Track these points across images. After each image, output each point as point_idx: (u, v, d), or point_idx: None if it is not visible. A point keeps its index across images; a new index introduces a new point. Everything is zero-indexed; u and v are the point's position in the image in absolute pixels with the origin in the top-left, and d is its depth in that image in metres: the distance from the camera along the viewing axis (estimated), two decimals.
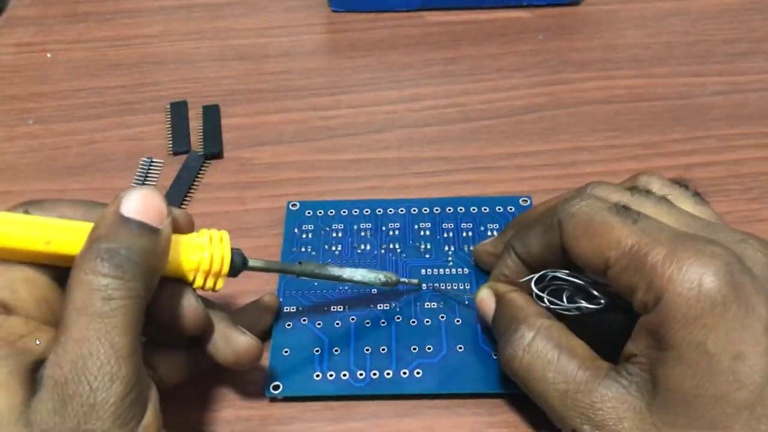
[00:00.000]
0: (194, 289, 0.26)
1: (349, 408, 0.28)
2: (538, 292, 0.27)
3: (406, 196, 0.36)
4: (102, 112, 0.42)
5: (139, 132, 0.41)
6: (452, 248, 0.33)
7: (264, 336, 0.30)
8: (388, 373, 0.29)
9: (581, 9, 0.48)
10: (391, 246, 0.34)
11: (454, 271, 0.33)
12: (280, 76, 0.44)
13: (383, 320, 0.31)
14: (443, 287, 0.32)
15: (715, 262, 0.22)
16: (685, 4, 0.49)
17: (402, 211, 0.35)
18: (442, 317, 0.31)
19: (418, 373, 0.29)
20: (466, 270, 0.33)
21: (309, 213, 0.35)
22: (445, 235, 0.34)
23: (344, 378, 0.29)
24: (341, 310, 0.31)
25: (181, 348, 0.27)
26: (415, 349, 0.30)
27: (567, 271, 0.26)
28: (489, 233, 0.34)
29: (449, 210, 0.35)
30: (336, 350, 0.30)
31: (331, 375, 0.29)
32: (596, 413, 0.23)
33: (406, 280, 0.31)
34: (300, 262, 0.29)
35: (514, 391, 0.27)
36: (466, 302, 0.31)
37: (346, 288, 0.32)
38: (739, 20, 0.47)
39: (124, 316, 0.21)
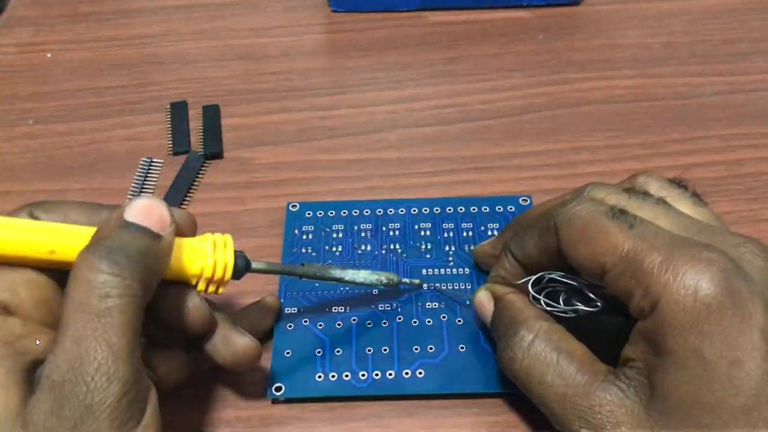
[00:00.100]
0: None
1: (350, 408, 0.29)
2: (535, 294, 0.27)
3: (406, 196, 0.36)
4: (102, 112, 0.42)
5: (139, 132, 0.41)
6: (453, 248, 0.33)
7: (265, 337, 0.30)
8: (390, 374, 0.29)
9: (581, 9, 0.48)
10: (392, 246, 0.34)
11: (454, 271, 0.33)
12: (280, 76, 0.44)
13: (385, 321, 0.31)
14: (444, 287, 0.32)
15: (711, 268, 0.22)
16: (685, 4, 0.49)
17: (402, 211, 0.35)
18: (444, 317, 0.31)
19: (420, 373, 0.29)
20: (467, 270, 0.33)
21: (309, 214, 0.35)
22: (446, 235, 0.34)
23: (346, 379, 0.29)
24: (342, 310, 0.31)
25: (181, 348, 0.27)
26: (416, 349, 0.30)
27: (564, 274, 0.26)
28: (489, 233, 0.34)
29: (449, 210, 0.35)
30: (338, 351, 0.30)
31: (333, 376, 0.29)
32: (594, 416, 0.23)
33: (407, 280, 0.31)
34: (302, 264, 0.29)
35: (516, 391, 0.27)
36: (467, 302, 0.31)
37: (347, 289, 0.32)
38: (739, 20, 0.47)
39: (121, 315, 0.21)
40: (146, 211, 0.23)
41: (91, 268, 0.22)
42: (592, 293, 0.26)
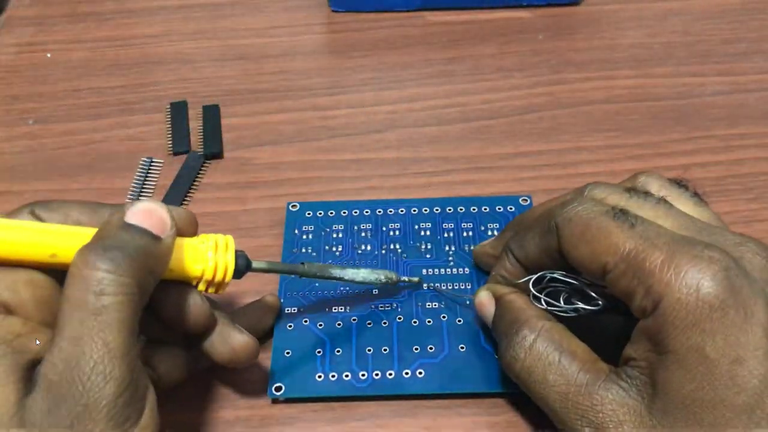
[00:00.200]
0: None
1: (350, 408, 0.28)
2: (536, 294, 0.27)
3: (406, 196, 0.36)
4: (102, 112, 0.42)
5: (139, 132, 0.41)
6: (452, 248, 0.33)
7: (265, 337, 0.30)
8: (390, 374, 0.29)
9: (581, 9, 0.48)
10: (392, 246, 0.34)
11: (454, 271, 0.33)
12: (280, 76, 0.44)
13: (385, 320, 0.31)
14: (444, 287, 0.32)
15: (713, 266, 0.22)
16: (685, 4, 0.49)
17: (402, 211, 0.35)
18: (444, 317, 0.31)
19: (420, 373, 0.29)
20: (467, 270, 0.33)
21: (309, 214, 0.35)
22: (446, 235, 0.34)
23: (346, 378, 0.29)
24: (342, 310, 0.31)
25: (181, 347, 0.27)
26: (416, 349, 0.30)
27: (564, 273, 0.26)
28: (489, 233, 0.34)
29: (449, 210, 0.35)
30: (338, 351, 0.30)
31: (333, 376, 0.29)
32: (596, 415, 0.23)
33: (406, 278, 0.31)
34: (303, 263, 0.29)
35: (517, 390, 0.27)
36: (467, 302, 0.31)
37: (347, 288, 0.32)
38: (739, 20, 0.47)
39: (117, 313, 0.21)
40: (147, 213, 0.23)
41: (88, 266, 0.22)
42: (593, 292, 0.26)
